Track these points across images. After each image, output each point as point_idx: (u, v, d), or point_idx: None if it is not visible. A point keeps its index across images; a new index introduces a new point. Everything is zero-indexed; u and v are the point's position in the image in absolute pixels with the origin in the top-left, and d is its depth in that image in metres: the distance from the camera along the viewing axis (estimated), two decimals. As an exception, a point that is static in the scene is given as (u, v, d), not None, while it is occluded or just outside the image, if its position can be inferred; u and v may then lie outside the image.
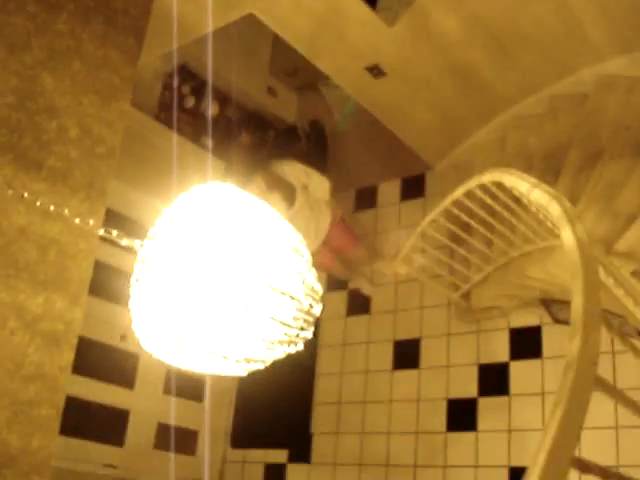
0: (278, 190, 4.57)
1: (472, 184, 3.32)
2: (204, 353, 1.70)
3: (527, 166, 4.49)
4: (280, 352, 1.84)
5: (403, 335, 5.13)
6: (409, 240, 4.20)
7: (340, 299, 5.61)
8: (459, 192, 3.52)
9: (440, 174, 5.36)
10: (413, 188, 5.57)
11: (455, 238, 4.21)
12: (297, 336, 1.83)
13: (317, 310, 1.85)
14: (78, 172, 3.18)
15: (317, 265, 5.60)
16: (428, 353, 4.93)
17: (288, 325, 1.78)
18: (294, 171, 4.76)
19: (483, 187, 3.27)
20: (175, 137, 5.38)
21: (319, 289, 1.87)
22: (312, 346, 5.57)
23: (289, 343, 1.83)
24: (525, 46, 4.28)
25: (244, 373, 1.82)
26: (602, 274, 2.37)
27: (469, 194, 3.51)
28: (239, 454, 5.57)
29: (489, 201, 3.43)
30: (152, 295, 1.66)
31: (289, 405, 5.43)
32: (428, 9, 4.01)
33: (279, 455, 5.35)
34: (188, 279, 1.60)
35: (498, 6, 4.01)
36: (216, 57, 6.08)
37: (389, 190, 5.74)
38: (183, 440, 5.34)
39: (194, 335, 1.64)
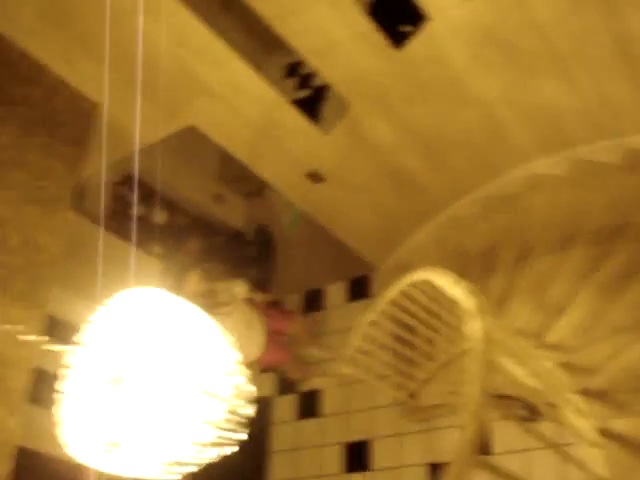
0: (215, 291, 4.65)
1: (403, 284, 3.43)
2: (133, 457, 1.70)
3: (464, 265, 4.64)
4: (213, 454, 1.84)
5: (354, 437, 5.09)
6: (351, 341, 4.25)
7: (291, 403, 5.57)
8: (393, 292, 3.61)
9: (384, 275, 5.48)
10: (359, 289, 5.67)
11: (399, 338, 4.28)
12: (230, 438, 1.85)
13: (248, 411, 1.88)
14: (19, 281, 3.20)
15: (267, 364, 5.57)
16: (380, 454, 4.88)
17: (219, 427, 1.80)
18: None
19: (417, 286, 3.37)
20: (122, 245, 5.42)
21: (250, 390, 1.90)
22: (261, 453, 5.49)
23: (221, 445, 1.84)
24: (455, 150, 4.51)
25: (177, 477, 1.82)
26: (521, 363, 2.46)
27: (406, 294, 3.60)
28: None
29: (425, 300, 3.52)
30: (79, 399, 1.68)
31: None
32: (361, 117, 4.23)
33: None
34: (115, 384, 1.63)
35: (427, 113, 4.24)
36: (164, 165, 6.24)
37: (336, 292, 5.83)
38: None
39: (121, 439, 1.65)
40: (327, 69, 3.95)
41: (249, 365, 5.05)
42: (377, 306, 3.92)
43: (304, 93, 4.34)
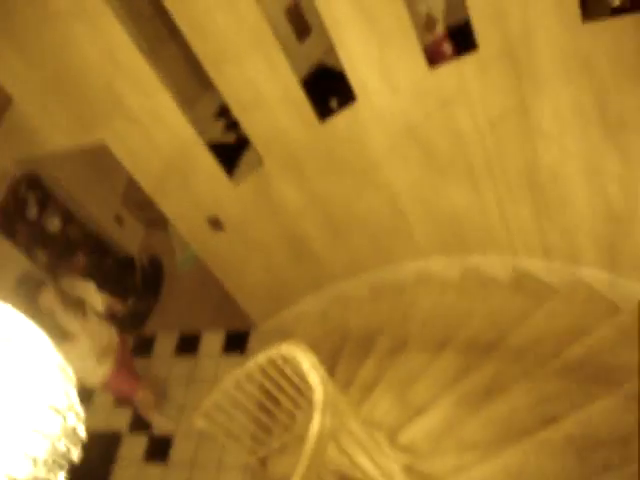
0: (69, 303, 4.51)
1: (273, 353, 3.39)
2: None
3: (342, 343, 4.65)
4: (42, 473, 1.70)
5: (194, 493, 4.93)
6: (210, 395, 4.15)
7: (141, 443, 5.37)
8: (261, 358, 3.57)
9: (263, 334, 5.42)
10: (236, 343, 5.58)
11: (260, 403, 4.21)
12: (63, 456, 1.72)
13: (81, 430, 1.75)
14: None
15: (116, 392, 5.26)
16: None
17: (39, 463, 1.67)
18: (77, 285, 4.71)
19: (284, 359, 3.33)
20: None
21: (80, 429, 1.78)
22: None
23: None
24: (357, 229, 4.56)
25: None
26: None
27: (274, 363, 3.56)
28: None
29: (289, 373, 3.48)
30: None
31: None
32: (273, 177, 4.23)
33: None
34: None
35: (337, 188, 4.29)
36: (73, 175, 6.07)
37: (212, 340, 5.72)
38: None
39: None
40: (249, 123, 3.95)
41: (99, 389, 4.85)
42: (244, 368, 3.85)
43: (229, 137, 4.31)
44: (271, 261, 4.87)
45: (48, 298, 4.40)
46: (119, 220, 6.48)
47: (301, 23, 3.94)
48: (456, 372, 3.64)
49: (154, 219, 6.47)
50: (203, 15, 3.44)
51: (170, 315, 6.11)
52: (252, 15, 3.42)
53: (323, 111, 3.79)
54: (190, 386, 5.54)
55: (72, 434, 1.77)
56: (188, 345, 5.83)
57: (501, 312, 4.18)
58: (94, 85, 3.81)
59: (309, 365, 2.48)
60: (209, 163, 4.18)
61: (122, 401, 5.50)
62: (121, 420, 5.60)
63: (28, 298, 4.46)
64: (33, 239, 5.83)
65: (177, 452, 5.21)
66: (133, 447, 5.40)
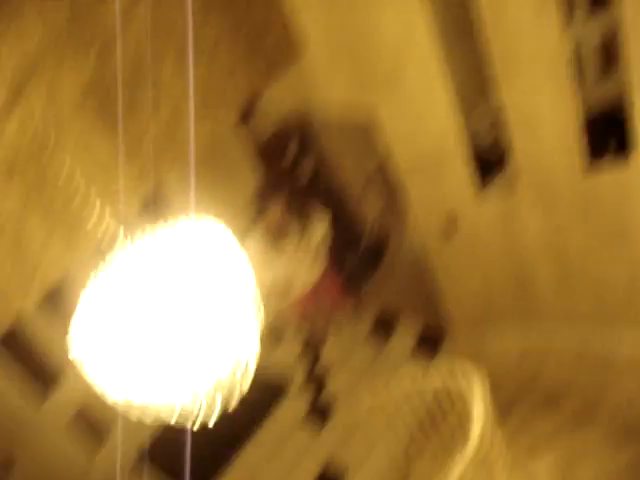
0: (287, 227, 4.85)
1: (449, 384, 3.34)
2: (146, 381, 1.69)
3: (529, 386, 4.42)
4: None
5: None
6: (379, 394, 4.18)
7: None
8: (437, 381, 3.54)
9: (455, 346, 5.37)
10: (426, 344, 5.55)
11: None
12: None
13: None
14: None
15: (317, 301, 5.43)
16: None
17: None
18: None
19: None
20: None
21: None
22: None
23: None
24: (586, 286, 4.32)
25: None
26: None
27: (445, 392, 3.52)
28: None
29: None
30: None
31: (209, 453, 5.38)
32: (522, 206, 4.10)
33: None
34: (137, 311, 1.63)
35: (581, 239, 4.05)
36: (334, 137, 6.28)
37: (405, 332, 5.74)
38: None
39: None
40: (517, 144, 3.83)
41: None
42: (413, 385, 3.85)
43: (493, 154, 4.23)
44: (489, 283, 4.74)
45: (275, 214, 4.73)
46: (365, 188, 6.64)
47: (610, 58, 3.71)
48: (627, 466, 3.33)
49: (395, 199, 6.57)
50: (511, 23, 3.34)
51: (378, 292, 6.22)
52: (556, 40, 3.26)
53: (594, 158, 3.57)
54: (367, 365, 5.63)
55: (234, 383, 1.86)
56: (383, 326, 5.90)
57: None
58: (383, 55, 3.90)
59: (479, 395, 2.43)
60: (465, 171, 4.14)
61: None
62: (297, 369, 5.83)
63: (257, 212, 4.82)
64: (281, 181, 6.19)
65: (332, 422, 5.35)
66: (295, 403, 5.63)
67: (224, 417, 1.79)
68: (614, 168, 3.60)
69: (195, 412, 1.79)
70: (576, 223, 3.98)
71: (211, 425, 1.83)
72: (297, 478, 5.05)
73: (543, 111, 3.58)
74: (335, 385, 5.55)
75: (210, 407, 1.79)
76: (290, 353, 5.85)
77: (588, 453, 3.62)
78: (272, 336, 6.12)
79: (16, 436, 4.95)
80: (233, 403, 1.83)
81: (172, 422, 1.81)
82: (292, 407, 5.60)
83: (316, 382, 5.54)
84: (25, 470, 4.84)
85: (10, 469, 4.54)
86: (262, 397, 5.68)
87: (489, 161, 4.26)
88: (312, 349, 5.55)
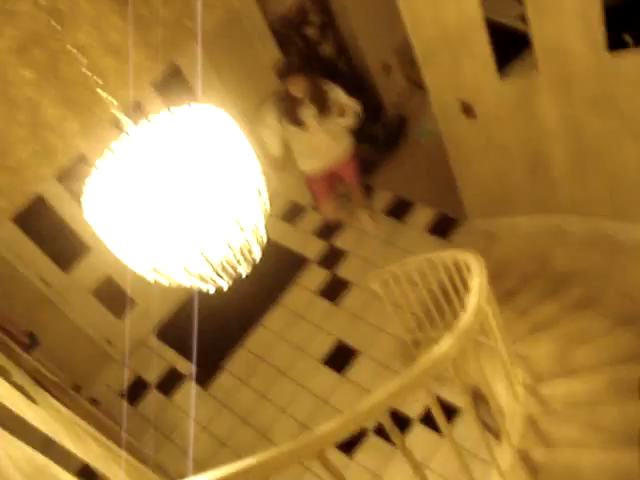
0: (315, 97, 4.88)
1: (458, 257, 3.44)
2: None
3: (537, 272, 4.55)
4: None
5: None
6: (393, 266, 4.33)
7: (320, 276, 5.79)
8: (448, 257, 3.64)
9: (469, 230, 5.47)
10: (442, 227, 5.66)
11: (433, 293, 4.35)
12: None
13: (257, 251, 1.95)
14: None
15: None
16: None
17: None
18: (330, 86, 5.02)
19: (465, 265, 3.37)
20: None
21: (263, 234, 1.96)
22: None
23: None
24: (600, 172, 4.32)
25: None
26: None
27: (455, 264, 3.62)
28: (157, 345, 5.83)
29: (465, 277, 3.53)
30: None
31: (222, 332, 5.65)
32: (540, 88, 4.04)
33: (186, 367, 5.60)
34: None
35: (598, 124, 4.01)
36: (358, 11, 6.16)
37: (421, 215, 5.84)
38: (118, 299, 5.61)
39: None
40: (538, 25, 3.74)
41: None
42: (430, 257, 3.96)
43: (520, 25, 4.13)
44: (506, 166, 4.75)
45: (299, 84, 4.76)
46: (386, 69, 6.55)
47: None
48: (626, 354, 3.47)
49: (417, 82, 6.48)
50: None
51: (394, 176, 6.26)
52: None
53: (614, 42, 3.49)
54: (383, 246, 5.78)
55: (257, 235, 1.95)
56: (398, 210, 6.01)
57: None
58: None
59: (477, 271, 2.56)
60: (485, 51, 4.07)
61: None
62: (314, 249, 6.04)
63: (280, 80, 4.83)
64: (303, 55, 6.11)
65: (348, 299, 5.56)
66: (313, 278, 5.84)
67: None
68: (634, 54, 3.54)
69: (209, 278, 1.91)
70: (593, 107, 3.95)
71: (226, 289, 1.96)
72: (313, 347, 5.35)
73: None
74: (349, 266, 5.77)
75: (225, 271, 1.91)
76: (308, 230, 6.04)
77: (587, 337, 3.75)
78: (291, 213, 6.29)
79: (38, 317, 5.17)
80: (247, 269, 1.94)
81: (189, 286, 1.94)
82: (311, 279, 5.86)
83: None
84: (46, 349, 5.06)
85: (32, 349, 4.73)
86: (283, 268, 5.93)
87: (508, 45, 4.19)
88: None
